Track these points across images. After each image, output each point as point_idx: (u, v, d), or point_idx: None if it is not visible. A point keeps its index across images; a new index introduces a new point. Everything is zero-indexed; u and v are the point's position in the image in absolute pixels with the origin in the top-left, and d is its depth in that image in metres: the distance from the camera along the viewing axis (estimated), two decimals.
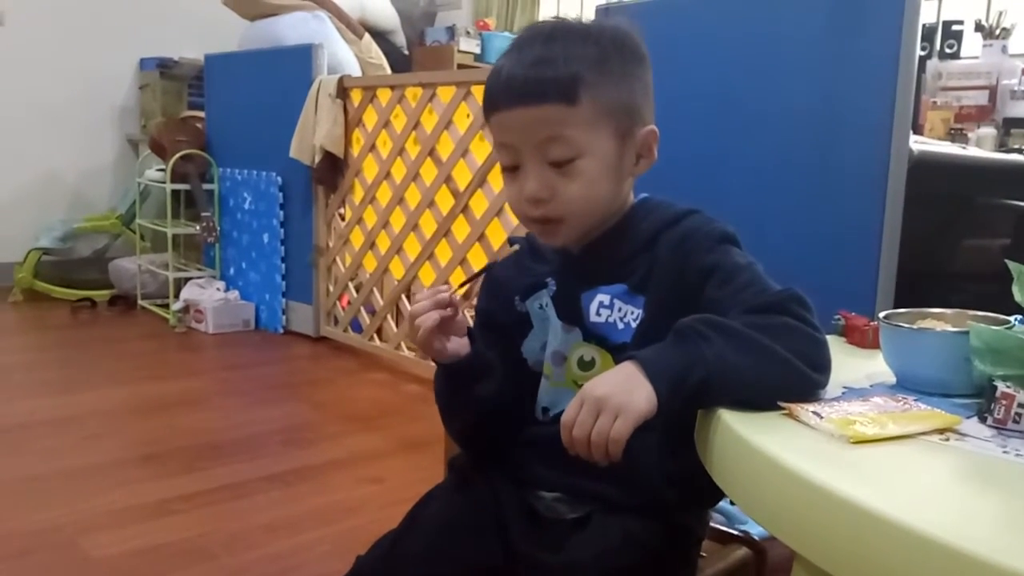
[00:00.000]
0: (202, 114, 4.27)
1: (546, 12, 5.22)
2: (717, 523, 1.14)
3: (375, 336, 3.41)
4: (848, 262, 1.83)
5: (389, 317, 3.34)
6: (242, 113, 3.94)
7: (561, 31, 0.92)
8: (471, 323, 1.02)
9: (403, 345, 3.27)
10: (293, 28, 3.74)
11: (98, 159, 4.82)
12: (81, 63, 4.65)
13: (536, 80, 0.88)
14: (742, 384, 0.76)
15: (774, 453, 0.65)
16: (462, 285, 1.05)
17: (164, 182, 3.90)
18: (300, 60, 3.54)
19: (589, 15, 4.73)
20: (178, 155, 3.85)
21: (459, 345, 0.96)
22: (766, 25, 2.00)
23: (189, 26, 4.76)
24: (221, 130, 4.10)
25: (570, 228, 0.93)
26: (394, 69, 4.21)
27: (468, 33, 4.79)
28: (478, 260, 2.90)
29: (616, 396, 0.76)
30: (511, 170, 0.93)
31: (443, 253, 3.07)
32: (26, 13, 4.47)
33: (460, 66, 4.57)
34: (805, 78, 1.92)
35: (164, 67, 4.68)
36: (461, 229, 2.98)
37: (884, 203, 1.77)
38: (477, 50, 4.80)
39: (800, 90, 1.93)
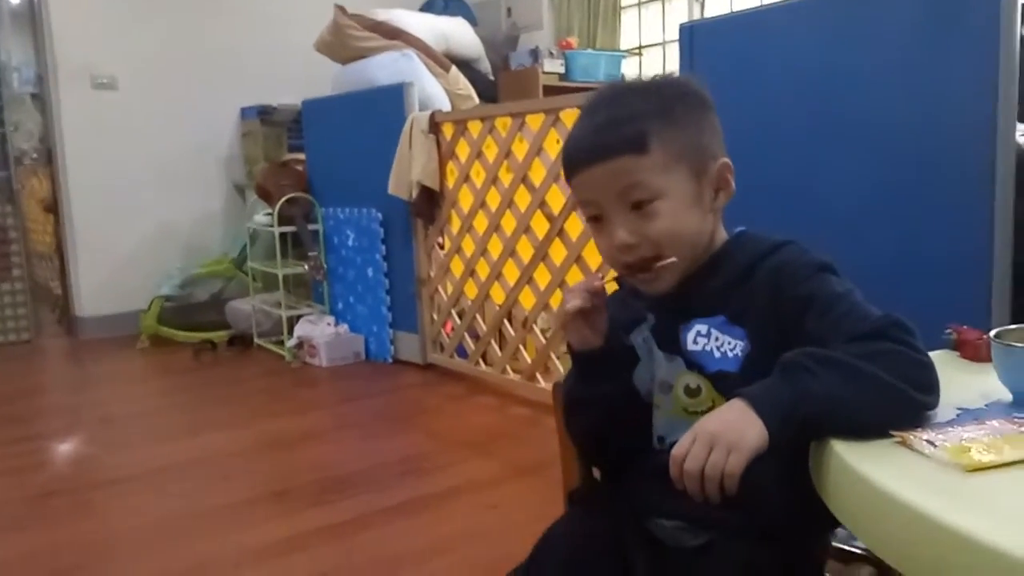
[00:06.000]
0: (302, 156, 4.46)
1: (628, 27, 5.22)
2: (839, 540, 1.13)
3: (480, 361, 3.49)
4: (958, 269, 1.77)
5: (493, 342, 3.41)
6: (340, 154, 4.11)
7: (622, 92, 1.00)
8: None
9: (508, 368, 3.33)
10: (383, 68, 3.88)
11: (208, 207, 5.09)
12: (187, 118, 4.94)
13: (607, 138, 0.94)
14: (851, 415, 0.77)
15: (888, 485, 0.66)
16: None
17: (272, 226, 4.09)
18: (392, 99, 3.67)
19: (672, 26, 4.70)
20: (283, 199, 4.04)
21: (595, 336, 1.00)
22: (855, 26, 1.96)
23: (285, 73, 4.99)
24: (321, 171, 4.29)
25: (668, 271, 0.96)
26: (481, 96, 4.30)
27: (551, 54, 4.84)
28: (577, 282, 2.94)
29: (729, 432, 0.79)
30: (596, 220, 0.99)
31: (542, 277, 3.13)
32: (136, 77, 4.79)
33: (546, 87, 4.64)
34: (899, 80, 1.88)
35: (264, 114, 4.92)
36: (558, 252, 3.03)
37: (992, 203, 1.71)
38: (561, 70, 4.85)
39: (895, 93, 1.88)
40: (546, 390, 3.06)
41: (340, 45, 4.10)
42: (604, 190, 0.96)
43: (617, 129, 0.94)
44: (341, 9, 4.06)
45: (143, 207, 4.85)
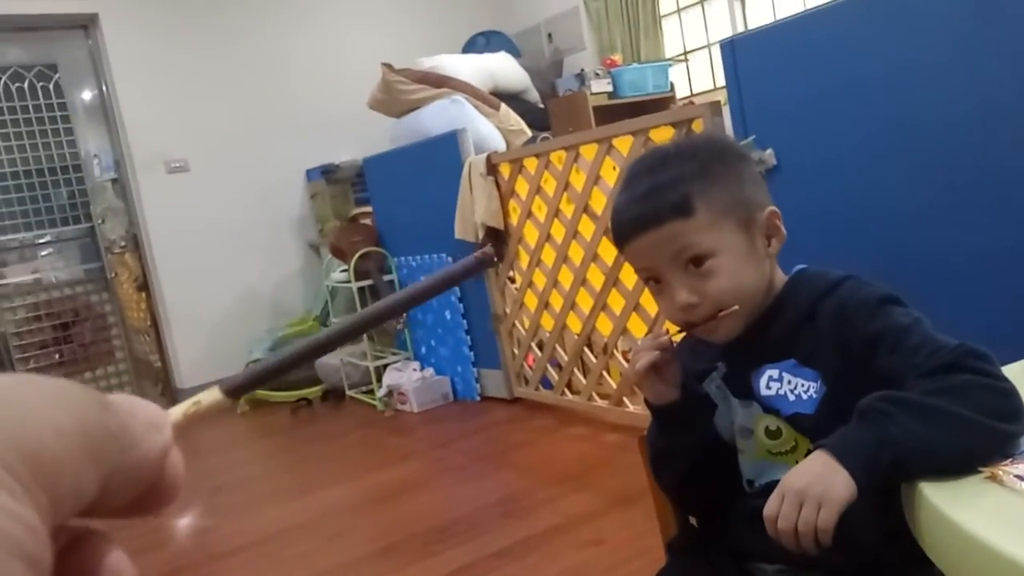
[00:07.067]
0: (370, 209, 4.59)
1: (670, 35, 5.22)
2: None
3: (566, 390, 3.52)
4: None
5: (576, 370, 3.44)
6: (405, 205, 4.22)
7: (660, 158, 1.02)
8: None
9: (595, 395, 3.35)
10: (436, 118, 3.97)
11: (287, 269, 5.27)
12: (257, 186, 5.14)
13: (651, 206, 0.97)
14: (935, 456, 0.78)
15: (976, 530, 0.65)
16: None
17: (349, 282, 4.22)
18: (448, 146, 3.76)
19: (715, 27, 4.66)
20: (357, 255, 4.16)
21: (670, 390, 1.02)
22: (897, 24, 1.95)
23: (343, 130, 5.16)
24: (389, 224, 4.40)
25: (731, 319, 0.97)
26: (532, 126, 4.35)
27: (597, 75, 4.87)
28: (651, 304, 2.95)
29: (816, 486, 0.80)
30: (655, 281, 1.01)
31: (616, 302, 3.14)
32: (205, 156, 5.02)
33: (596, 108, 4.67)
34: (950, 73, 1.85)
35: (328, 173, 5.08)
36: (629, 276, 3.04)
37: None
38: (609, 88, 4.86)
39: (948, 86, 1.86)
40: (635, 414, 3.07)
41: (392, 101, 4.22)
42: (656, 256, 0.98)
43: (660, 196, 0.96)
44: (388, 67, 4.18)
45: (227, 276, 5.06)
